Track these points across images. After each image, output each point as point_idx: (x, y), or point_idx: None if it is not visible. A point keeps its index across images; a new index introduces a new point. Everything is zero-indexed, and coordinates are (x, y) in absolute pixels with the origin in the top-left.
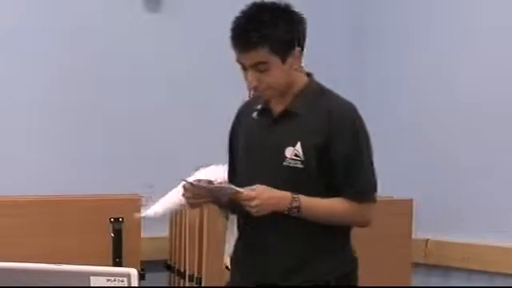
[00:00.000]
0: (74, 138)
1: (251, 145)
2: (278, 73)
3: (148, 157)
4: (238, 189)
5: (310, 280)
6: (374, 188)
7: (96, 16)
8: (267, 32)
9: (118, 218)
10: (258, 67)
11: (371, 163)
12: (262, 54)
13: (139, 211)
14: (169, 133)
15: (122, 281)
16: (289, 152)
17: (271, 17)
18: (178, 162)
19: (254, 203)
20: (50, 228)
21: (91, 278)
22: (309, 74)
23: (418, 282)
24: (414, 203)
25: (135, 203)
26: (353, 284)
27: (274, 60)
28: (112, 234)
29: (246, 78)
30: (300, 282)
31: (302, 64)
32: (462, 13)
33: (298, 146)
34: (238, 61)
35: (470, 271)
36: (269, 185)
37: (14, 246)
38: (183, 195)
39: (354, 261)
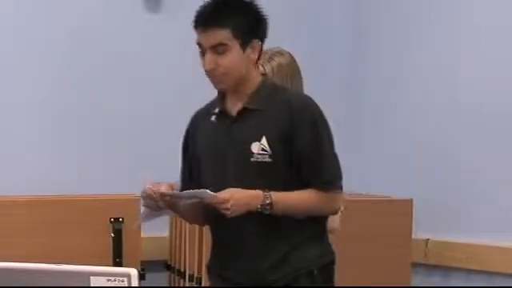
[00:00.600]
0: (74, 138)
1: (213, 147)
2: (236, 58)
3: (148, 157)
4: (213, 194)
5: (290, 273)
6: (338, 176)
7: (96, 16)
8: (231, 14)
9: (118, 218)
10: (217, 49)
11: (334, 152)
12: (223, 34)
13: (138, 209)
14: (169, 133)
15: (122, 281)
16: (255, 147)
17: (237, 3)
18: (178, 162)
19: (229, 205)
20: (50, 228)
21: (91, 278)
22: (263, 74)
23: (417, 281)
24: (414, 203)
25: (135, 203)
26: (331, 276)
27: (234, 44)
28: (112, 234)
29: (203, 65)
30: (279, 276)
31: (301, 71)
32: (462, 13)
33: (264, 140)
34: (198, 43)
35: (470, 271)
36: (239, 183)
37: (13, 246)
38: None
39: (332, 253)
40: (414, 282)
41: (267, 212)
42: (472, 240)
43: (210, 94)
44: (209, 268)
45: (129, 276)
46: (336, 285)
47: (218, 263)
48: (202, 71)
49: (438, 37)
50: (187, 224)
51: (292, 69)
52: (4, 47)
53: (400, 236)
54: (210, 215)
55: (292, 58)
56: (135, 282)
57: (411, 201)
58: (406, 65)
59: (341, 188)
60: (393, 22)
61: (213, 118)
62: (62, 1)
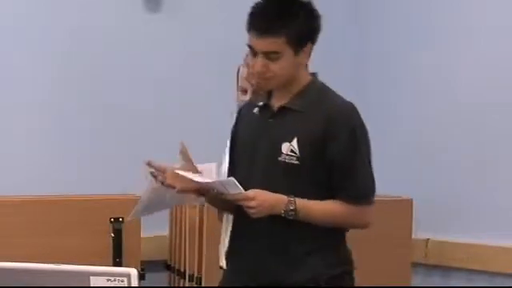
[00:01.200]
0: (74, 138)
1: (249, 139)
2: (287, 64)
3: (148, 157)
4: (239, 186)
5: (303, 280)
6: (371, 190)
7: (95, 16)
8: (288, 22)
9: (118, 218)
10: (270, 56)
11: (369, 165)
12: (277, 42)
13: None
14: (169, 133)
15: (122, 281)
16: (285, 147)
17: (293, 7)
18: (178, 162)
19: (252, 204)
20: (50, 228)
21: (91, 278)
22: (313, 74)
23: (418, 282)
24: (414, 203)
25: (135, 203)
26: (347, 285)
27: (288, 51)
28: (112, 234)
29: (252, 65)
30: (293, 281)
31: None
32: (464, 13)
33: (295, 141)
34: (250, 45)
35: (470, 271)
36: (265, 179)
37: (13, 246)
38: (156, 176)
39: (348, 262)
40: (414, 282)
41: (291, 218)
42: (472, 240)
43: (211, 93)
44: (227, 258)
45: (129, 276)
46: None
47: (236, 256)
48: (201, 71)
49: (439, 37)
50: (187, 224)
51: None
52: (4, 47)
53: (400, 236)
54: (236, 208)
55: None
56: (135, 282)
57: (411, 201)
58: (407, 65)
59: (371, 203)
60: (394, 23)
61: (256, 110)
62: (62, 0)
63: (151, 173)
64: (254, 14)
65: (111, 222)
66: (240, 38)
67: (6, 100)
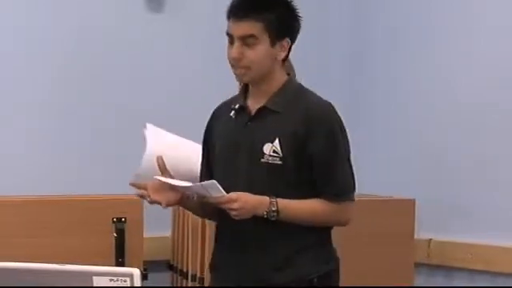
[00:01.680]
0: (76, 138)
1: (228, 143)
2: (263, 52)
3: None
4: (221, 188)
5: (292, 279)
6: (351, 188)
7: (97, 16)
8: (267, 8)
9: (121, 218)
10: (247, 41)
11: (349, 163)
12: (255, 26)
13: (141, 209)
14: (171, 132)
15: (125, 281)
16: (267, 148)
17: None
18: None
19: (235, 206)
20: (53, 228)
21: (94, 278)
22: (288, 74)
23: (420, 282)
24: (417, 203)
25: (138, 203)
26: (335, 283)
27: (264, 38)
28: (114, 234)
29: (229, 53)
30: (282, 281)
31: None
32: (463, 13)
33: (277, 142)
34: (228, 32)
35: (473, 271)
36: (248, 181)
37: (16, 246)
38: (144, 197)
39: (336, 260)
40: (417, 282)
41: (273, 218)
42: (475, 240)
43: (212, 93)
44: (211, 266)
45: (131, 276)
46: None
47: (222, 260)
48: (203, 71)
49: (439, 37)
50: (190, 224)
51: (287, 67)
52: (4, 47)
53: (402, 236)
54: (218, 211)
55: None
56: (138, 282)
57: (414, 201)
58: (408, 66)
59: (352, 200)
60: (393, 23)
61: (232, 113)
62: (64, 0)
63: (138, 195)
64: (234, 1)
65: (114, 221)
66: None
67: (6, 100)
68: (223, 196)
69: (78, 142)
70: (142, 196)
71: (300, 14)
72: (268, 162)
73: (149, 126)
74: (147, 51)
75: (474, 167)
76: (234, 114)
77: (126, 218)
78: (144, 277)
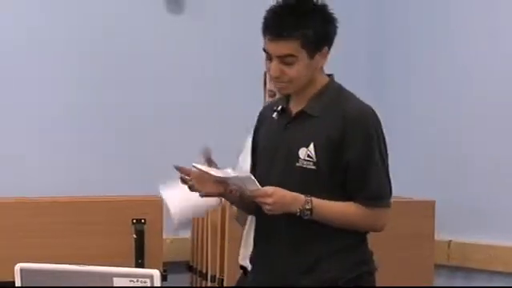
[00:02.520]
0: (98, 139)
1: (269, 144)
2: (302, 68)
3: (172, 157)
4: (256, 182)
5: (319, 283)
6: (386, 194)
7: (118, 18)
8: (302, 25)
9: (141, 220)
10: (285, 59)
11: (386, 168)
12: (292, 46)
13: (161, 210)
14: (193, 132)
15: (145, 282)
16: (302, 153)
17: (308, 11)
18: (201, 162)
19: (269, 200)
20: (72, 229)
21: (114, 279)
22: (329, 75)
23: (440, 283)
24: (437, 205)
25: (157, 204)
26: (369, 285)
27: (303, 55)
28: (134, 235)
29: (268, 69)
30: (311, 283)
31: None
32: (480, 13)
33: (311, 146)
34: (266, 49)
35: (493, 273)
36: (280, 185)
37: (36, 246)
38: (186, 181)
39: (367, 263)
40: (437, 284)
41: (306, 217)
42: (495, 241)
43: (231, 94)
44: (251, 260)
45: (151, 277)
46: None
47: (257, 258)
48: (223, 72)
49: (464, 38)
50: (209, 225)
51: None
52: (29, 47)
53: (422, 237)
54: (255, 208)
55: None
56: (157, 283)
57: (433, 202)
58: (429, 67)
59: (387, 206)
60: (416, 24)
61: (274, 114)
62: (85, 2)
63: (181, 178)
64: (269, 18)
65: (133, 223)
66: (262, 39)
67: (33, 100)
68: (259, 189)
69: (99, 142)
70: (184, 181)
71: (334, 17)
72: (302, 167)
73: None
74: (167, 52)
75: (494, 169)
76: (277, 115)
77: (145, 220)
78: (163, 278)
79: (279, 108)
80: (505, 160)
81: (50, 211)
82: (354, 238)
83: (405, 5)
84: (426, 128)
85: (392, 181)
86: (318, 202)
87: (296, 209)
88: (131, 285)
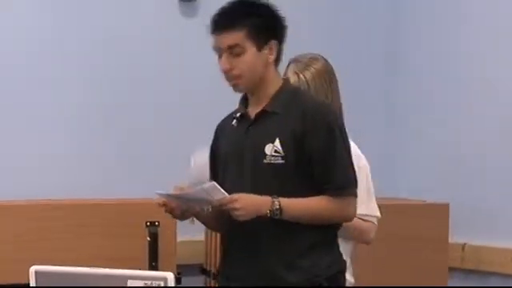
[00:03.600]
0: (110, 141)
1: (232, 150)
2: (251, 60)
3: (185, 159)
4: (221, 189)
5: (299, 280)
6: (352, 183)
7: (132, 20)
8: (247, 16)
9: (154, 222)
10: (233, 50)
11: (348, 158)
12: (238, 36)
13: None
14: (204, 135)
15: (159, 284)
16: (268, 149)
17: (253, 5)
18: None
19: (237, 205)
20: (86, 232)
21: (128, 281)
22: (284, 78)
23: (454, 286)
24: (451, 207)
25: None
26: (342, 284)
27: (250, 46)
28: (148, 238)
29: (220, 67)
30: (292, 282)
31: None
32: (495, 14)
33: (277, 141)
34: (215, 47)
35: (507, 276)
36: (255, 184)
37: (51, 249)
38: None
39: (340, 262)
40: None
41: (277, 217)
42: (510, 244)
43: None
44: (219, 273)
45: (165, 279)
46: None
47: (231, 265)
48: None
49: (472, 38)
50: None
51: (330, 73)
52: (41, 48)
53: (437, 240)
54: (226, 218)
55: (327, 62)
56: (171, 286)
57: (448, 205)
58: (444, 66)
59: (354, 195)
60: (428, 28)
61: (234, 122)
62: (99, 3)
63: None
64: (214, 16)
65: (147, 225)
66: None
67: (44, 102)
68: (225, 197)
69: (113, 144)
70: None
71: (281, 15)
72: (270, 163)
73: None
74: (180, 54)
75: (509, 171)
76: (236, 122)
77: (159, 222)
78: (177, 281)
79: (238, 115)
80: None
81: (63, 214)
82: (327, 236)
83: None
84: (440, 129)
85: (406, 183)
86: (286, 200)
87: (266, 210)
88: (145, 287)
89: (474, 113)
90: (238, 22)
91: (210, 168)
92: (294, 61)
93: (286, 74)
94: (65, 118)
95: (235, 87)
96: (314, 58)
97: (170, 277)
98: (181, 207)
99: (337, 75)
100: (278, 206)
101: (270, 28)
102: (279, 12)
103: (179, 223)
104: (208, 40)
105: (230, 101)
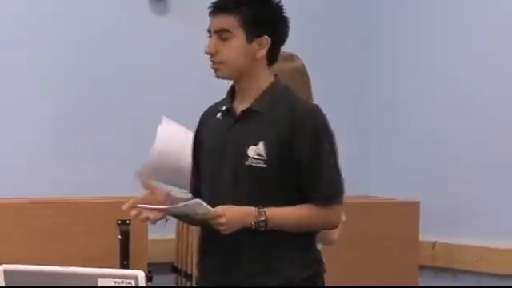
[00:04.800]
0: (82, 140)
1: (214, 145)
2: (238, 48)
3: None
4: (206, 206)
5: (274, 284)
6: (338, 190)
7: (102, 17)
8: (245, 3)
9: (126, 221)
10: (222, 34)
11: (335, 165)
12: (229, 21)
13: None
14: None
15: (130, 283)
16: (251, 151)
17: None
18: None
19: (222, 220)
20: (57, 230)
21: (99, 280)
22: (276, 75)
23: (425, 284)
24: (421, 205)
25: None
26: (319, 285)
27: (239, 33)
28: (119, 237)
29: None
30: (265, 283)
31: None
32: (470, 13)
33: (261, 145)
34: (208, 28)
35: (478, 274)
36: (232, 184)
37: (20, 248)
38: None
39: (317, 263)
40: (422, 285)
41: (262, 229)
42: (480, 242)
43: (218, 93)
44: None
45: (136, 278)
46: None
47: (208, 266)
48: (211, 72)
49: (447, 36)
50: (194, 226)
51: (304, 73)
52: (13, 49)
53: (407, 238)
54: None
55: (301, 61)
56: (142, 284)
57: (418, 203)
58: (416, 64)
59: (341, 202)
60: (403, 22)
61: (219, 115)
62: (69, 2)
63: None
64: None
65: (118, 224)
66: None
67: (15, 101)
68: (209, 212)
69: (83, 143)
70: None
71: (284, 14)
72: (252, 165)
73: (164, 120)
74: (151, 52)
75: (479, 170)
76: (221, 115)
77: (130, 221)
78: (148, 279)
79: (224, 108)
80: (490, 161)
81: (33, 212)
82: (304, 239)
83: (396, 5)
84: (412, 128)
85: (377, 181)
86: (271, 211)
87: (250, 222)
88: (116, 286)
89: (446, 112)
90: (234, 7)
91: (192, 155)
92: None
93: None
94: (37, 117)
95: (216, 72)
96: (293, 56)
97: (141, 275)
98: (157, 218)
99: (309, 71)
100: (263, 218)
101: (265, 22)
102: (283, 12)
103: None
104: (178, 38)
105: (204, 99)
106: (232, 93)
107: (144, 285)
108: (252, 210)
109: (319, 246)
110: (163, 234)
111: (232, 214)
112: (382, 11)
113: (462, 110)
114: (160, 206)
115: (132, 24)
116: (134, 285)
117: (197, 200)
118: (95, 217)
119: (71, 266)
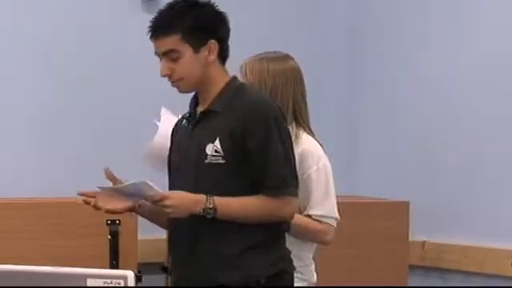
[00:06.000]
0: (73, 140)
1: (179, 150)
2: (189, 63)
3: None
4: (152, 185)
5: (238, 279)
6: (290, 182)
7: (93, 16)
8: (178, 19)
9: (115, 221)
10: (170, 55)
11: (286, 157)
12: (172, 40)
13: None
14: None
15: (119, 283)
16: (209, 149)
17: (185, 6)
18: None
19: (168, 202)
20: (47, 230)
21: (88, 280)
22: (233, 76)
23: (414, 283)
24: (411, 205)
25: None
26: (287, 284)
27: (186, 49)
28: (109, 237)
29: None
30: (229, 281)
31: None
32: (460, 13)
33: (217, 141)
34: (155, 51)
35: (467, 273)
36: (198, 185)
37: (10, 247)
38: (89, 203)
39: (285, 261)
40: (411, 284)
41: (210, 216)
42: (469, 242)
43: None
44: (167, 268)
45: (125, 278)
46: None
47: (175, 263)
48: None
49: (436, 37)
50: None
51: (301, 74)
52: (2, 47)
53: (397, 238)
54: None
55: (298, 64)
56: (131, 284)
57: (408, 203)
58: (404, 65)
59: (292, 193)
60: (391, 22)
61: (184, 121)
62: (60, 1)
63: (84, 201)
64: (151, 21)
65: (108, 224)
66: (237, 40)
67: (8, 101)
68: (156, 194)
69: (74, 144)
70: (87, 203)
71: (219, 12)
72: (211, 163)
73: (164, 110)
74: (143, 52)
75: (468, 170)
76: (186, 122)
77: (120, 221)
78: (138, 279)
79: (187, 114)
80: (478, 161)
81: (23, 212)
82: (267, 234)
83: (384, 4)
84: (400, 128)
85: (366, 181)
86: (220, 199)
87: (199, 209)
88: (105, 286)
89: (434, 112)
90: (171, 26)
91: (167, 169)
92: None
93: (251, 70)
94: (25, 117)
95: (178, 89)
96: (289, 56)
97: (130, 275)
98: (107, 204)
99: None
100: (211, 205)
101: (206, 28)
102: (217, 9)
103: (140, 222)
104: None
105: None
106: (195, 98)
107: (133, 285)
108: (201, 197)
109: (313, 248)
110: (153, 233)
111: (180, 198)
112: (371, 12)
113: (450, 111)
114: (109, 186)
115: (124, 24)
116: (123, 285)
117: (144, 180)
118: (85, 217)
119: (61, 265)
